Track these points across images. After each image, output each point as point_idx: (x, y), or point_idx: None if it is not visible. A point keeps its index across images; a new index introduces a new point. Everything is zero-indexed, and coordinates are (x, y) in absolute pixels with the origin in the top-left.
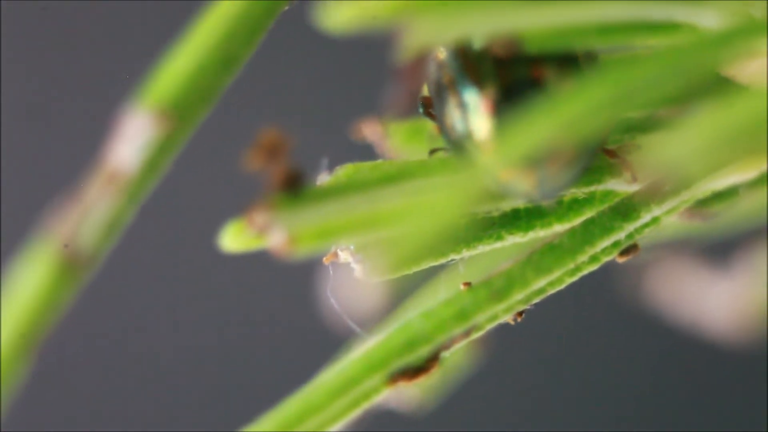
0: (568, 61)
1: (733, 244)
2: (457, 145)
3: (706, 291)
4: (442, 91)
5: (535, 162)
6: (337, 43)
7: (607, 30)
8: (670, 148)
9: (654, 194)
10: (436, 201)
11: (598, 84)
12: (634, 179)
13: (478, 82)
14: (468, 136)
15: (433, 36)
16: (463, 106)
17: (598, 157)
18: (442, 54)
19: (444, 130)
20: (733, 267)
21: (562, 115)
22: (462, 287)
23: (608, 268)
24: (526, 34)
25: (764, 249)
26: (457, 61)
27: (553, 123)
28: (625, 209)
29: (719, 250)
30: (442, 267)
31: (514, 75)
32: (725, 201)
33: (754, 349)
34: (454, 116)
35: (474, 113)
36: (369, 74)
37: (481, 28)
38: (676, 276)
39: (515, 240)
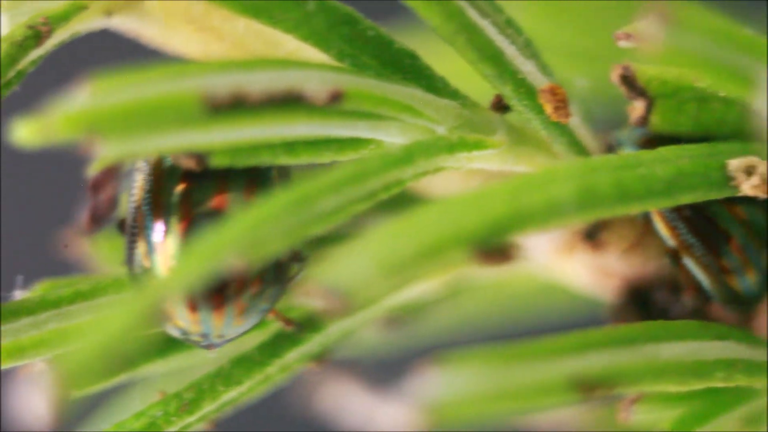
0: (258, 176)
1: (406, 361)
2: (134, 274)
3: (376, 405)
4: (128, 217)
5: (199, 301)
6: (36, 157)
7: (294, 146)
8: (342, 268)
9: (341, 307)
10: (107, 320)
11: (275, 203)
12: (321, 293)
13: (160, 216)
14: (143, 269)
15: (117, 153)
16: (146, 239)
17: (286, 278)
18: (128, 176)
19: (128, 258)
20: (405, 383)
21: (230, 241)
22: (158, 397)
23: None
24: (213, 149)
25: (435, 367)
26: (147, 190)
27: (220, 252)
28: (314, 322)
29: (393, 365)
30: (141, 378)
31: (199, 205)
32: (416, 312)
33: None
34: (135, 248)
35: (153, 247)
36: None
37: (168, 145)
38: (347, 391)
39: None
